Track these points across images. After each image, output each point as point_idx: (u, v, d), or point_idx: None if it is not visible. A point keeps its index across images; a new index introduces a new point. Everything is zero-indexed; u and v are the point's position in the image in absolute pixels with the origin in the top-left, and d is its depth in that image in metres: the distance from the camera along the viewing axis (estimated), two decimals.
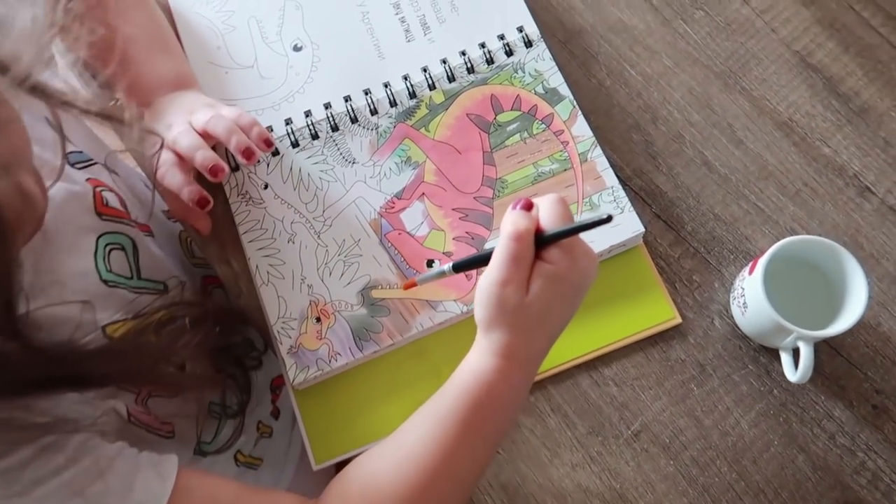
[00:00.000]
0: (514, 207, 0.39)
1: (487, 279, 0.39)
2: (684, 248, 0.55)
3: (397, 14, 0.61)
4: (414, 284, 0.46)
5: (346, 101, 0.58)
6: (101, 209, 0.49)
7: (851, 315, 0.46)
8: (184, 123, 0.53)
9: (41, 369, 0.35)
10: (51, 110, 0.37)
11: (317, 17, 0.61)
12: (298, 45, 0.60)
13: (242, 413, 0.57)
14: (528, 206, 0.39)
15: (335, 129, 0.57)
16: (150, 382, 0.45)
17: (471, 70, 0.58)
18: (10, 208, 0.32)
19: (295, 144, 0.57)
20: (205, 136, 0.52)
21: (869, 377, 0.51)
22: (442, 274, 0.44)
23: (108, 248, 0.49)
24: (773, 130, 0.57)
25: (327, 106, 0.58)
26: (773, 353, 0.52)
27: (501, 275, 0.38)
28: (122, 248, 0.50)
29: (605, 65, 0.60)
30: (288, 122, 0.58)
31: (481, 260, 0.41)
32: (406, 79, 0.58)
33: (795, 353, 0.49)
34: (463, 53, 0.59)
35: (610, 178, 0.54)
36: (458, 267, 0.43)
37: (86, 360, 0.39)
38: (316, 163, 0.57)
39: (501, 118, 0.57)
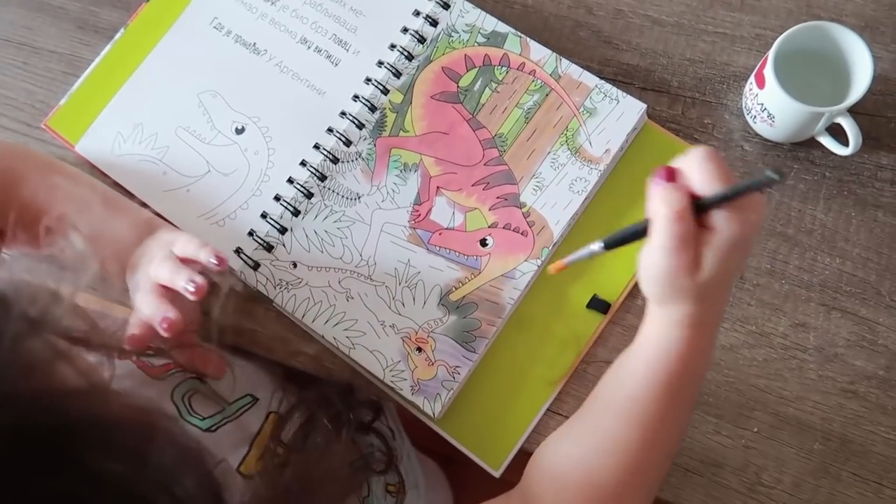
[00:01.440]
0: (658, 181, 0.36)
1: (656, 266, 0.36)
2: (682, 102, 0.57)
3: (309, 48, 0.59)
4: (563, 267, 0.42)
5: (317, 148, 0.57)
6: (154, 372, 0.47)
7: (864, 76, 0.49)
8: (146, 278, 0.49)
9: None
10: None
11: (238, 93, 0.59)
12: (240, 128, 0.58)
13: (394, 467, 0.56)
14: (671, 175, 0.36)
15: (323, 178, 0.56)
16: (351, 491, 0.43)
17: (409, 57, 0.58)
18: None
19: (296, 213, 0.56)
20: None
21: (891, 118, 0.55)
22: (592, 254, 0.41)
23: (186, 398, 0.47)
24: None
25: (303, 163, 0.56)
26: (806, 145, 0.55)
27: (671, 263, 0.35)
28: (196, 391, 0.48)
29: None
30: (277, 198, 0.56)
31: (635, 235, 0.39)
32: (357, 98, 0.57)
33: (831, 132, 0.52)
34: (392, 47, 0.58)
35: (590, 79, 0.55)
36: (610, 244, 0.40)
37: None
38: (326, 217, 0.55)
39: (463, 83, 0.57)
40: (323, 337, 0.53)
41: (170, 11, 0.61)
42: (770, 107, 0.51)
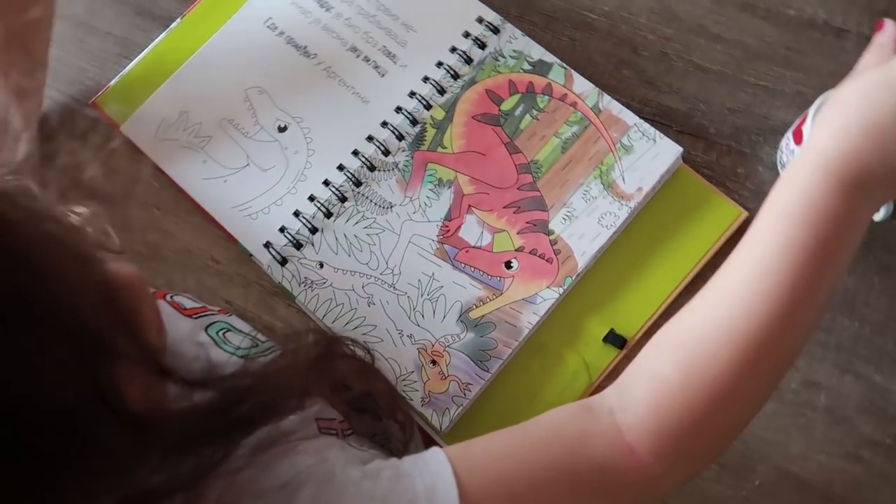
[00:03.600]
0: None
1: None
2: (718, 150, 0.58)
3: (358, 56, 0.61)
4: None
5: (356, 154, 0.58)
6: (186, 312, 0.50)
7: None
8: None
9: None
10: None
11: (284, 92, 0.60)
12: (282, 126, 0.60)
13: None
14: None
15: (358, 184, 0.57)
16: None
17: (455, 76, 0.59)
18: None
19: (328, 215, 0.57)
20: None
21: None
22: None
23: (221, 333, 0.49)
24: (740, 14, 0.60)
25: (340, 167, 0.58)
26: None
27: None
28: (231, 330, 0.50)
29: (566, 20, 0.62)
30: (311, 198, 0.57)
31: None
32: (400, 110, 0.59)
33: None
34: (440, 65, 0.59)
35: (629, 117, 0.56)
36: None
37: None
38: (357, 223, 0.56)
39: (505, 107, 0.58)
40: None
41: (227, 7, 0.63)
42: None
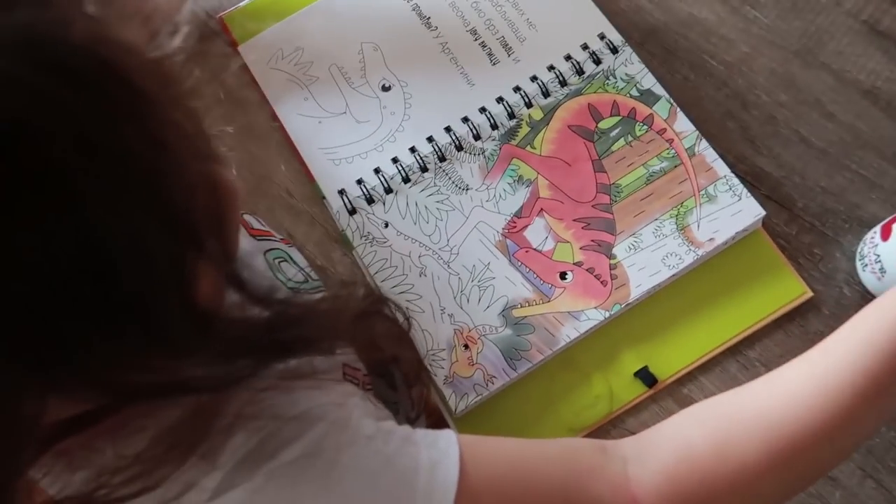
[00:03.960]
0: None
1: None
2: (800, 224, 0.57)
3: (476, 40, 0.62)
4: None
5: (448, 131, 0.59)
6: (252, 231, 0.52)
7: None
8: None
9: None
10: None
11: (397, 55, 0.62)
12: (387, 85, 0.61)
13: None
14: None
15: (442, 159, 0.59)
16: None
17: (563, 83, 0.60)
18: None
19: (406, 180, 0.58)
20: None
21: None
22: None
23: (276, 261, 0.51)
24: (860, 99, 0.60)
25: (430, 139, 0.59)
26: None
27: None
28: (287, 260, 0.52)
29: (685, 59, 0.62)
30: (395, 160, 0.59)
31: None
32: (501, 101, 0.60)
33: None
34: (551, 68, 0.60)
35: (721, 168, 0.56)
36: None
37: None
38: (430, 195, 0.58)
39: (603, 125, 0.59)
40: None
41: None
42: (885, 261, 0.51)
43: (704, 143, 0.57)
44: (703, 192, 0.56)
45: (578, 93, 0.60)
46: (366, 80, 0.62)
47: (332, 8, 0.64)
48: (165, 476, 0.32)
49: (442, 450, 0.38)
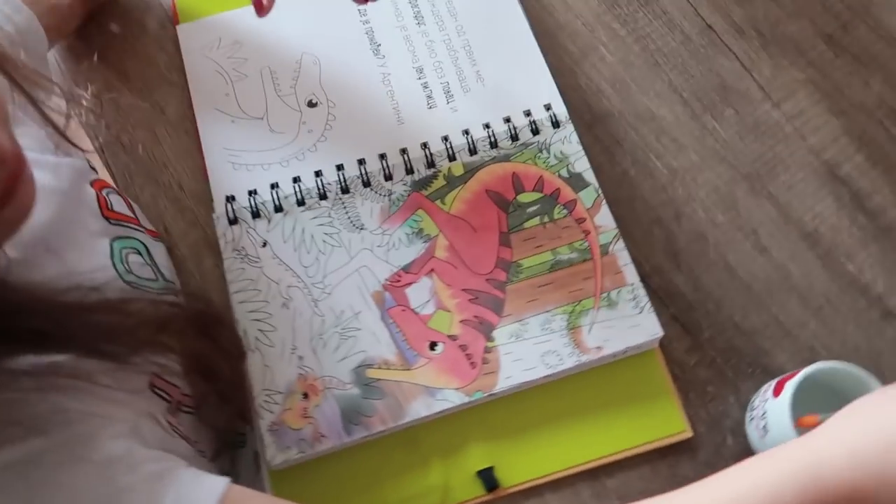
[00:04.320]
0: None
1: None
2: (700, 356, 0.52)
3: (420, 79, 0.59)
4: (814, 423, 0.38)
5: (360, 163, 0.55)
6: (108, 213, 0.48)
7: None
8: None
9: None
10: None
11: (335, 73, 0.59)
12: (314, 101, 0.58)
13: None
14: None
15: (345, 191, 0.54)
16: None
17: (494, 145, 0.56)
18: None
19: (301, 203, 0.54)
20: None
21: None
22: None
23: (124, 252, 0.47)
24: (799, 241, 0.55)
25: (340, 167, 0.55)
26: None
27: None
28: (139, 252, 0.48)
29: (630, 153, 0.58)
30: (296, 179, 0.55)
31: None
32: (425, 147, 0.56)
33: None
34: (486, 126, 0.56)
35: (631, 274, 0.52)
36: None
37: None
38: (321, 224, 0.53)
39: (522, 198, 0.54)
40: (237, 322, 0.50)
41: None
42: (770, 418, 0.45)
43: (621, 244, 0.53)
44: (604, 295, 0.51)
45: (506, 158, 0.56)
46: (294, 90, 0.58)
47: (280, 10, 0.60)
48: None
49: (194, 499, 0.33)
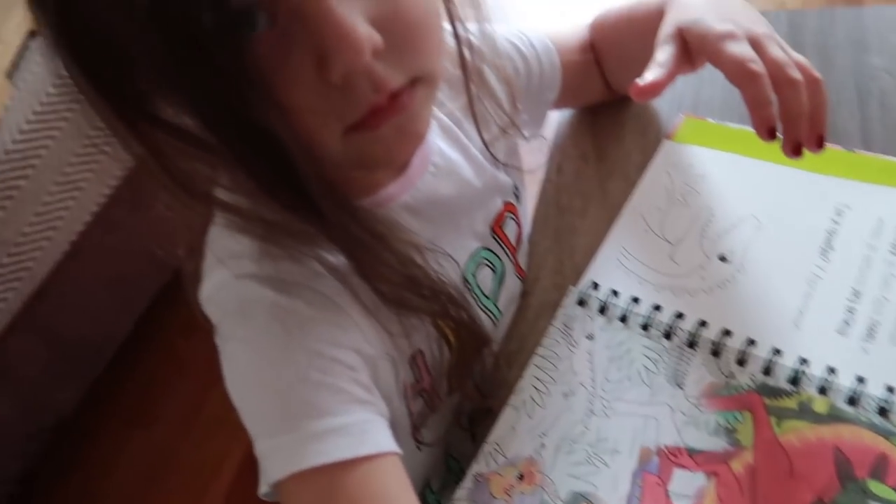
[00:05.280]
0: None
1: None
2: None
3: (850, 301, 0.51)
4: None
5: (726, 333, 0.51)
6: (496, 228, 0.55)
7: None
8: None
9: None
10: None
11: (765, 247, 0.55)
12: (725, 258, 0.56)
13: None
14: None
15: (692, 345, 0.51)
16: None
17: (883, 412, 0.45)
18: None
19: (645, 328, 0.53)
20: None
21: None
22: None
23: (482, 260, 0.54)
24: None
25: (703, 323, 0.52)
26: None
27: None
28: (493, 270, 0.54)
29: None
30: (657, 307, 0.54)
31: None
32: (803, 362, 0.49)
33: None
34: (890, 390, 0.46)
35: None
36: None
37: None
38: (648, 357, 0.52)
39: (873, 486, 0.43)
40: (522, 378, 0.53)
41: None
42: None
43: None
44: None
45: (888, 435, 0.44)
46: (716, 239, 0.57)
47: (765, 176, 0.60)
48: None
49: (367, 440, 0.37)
